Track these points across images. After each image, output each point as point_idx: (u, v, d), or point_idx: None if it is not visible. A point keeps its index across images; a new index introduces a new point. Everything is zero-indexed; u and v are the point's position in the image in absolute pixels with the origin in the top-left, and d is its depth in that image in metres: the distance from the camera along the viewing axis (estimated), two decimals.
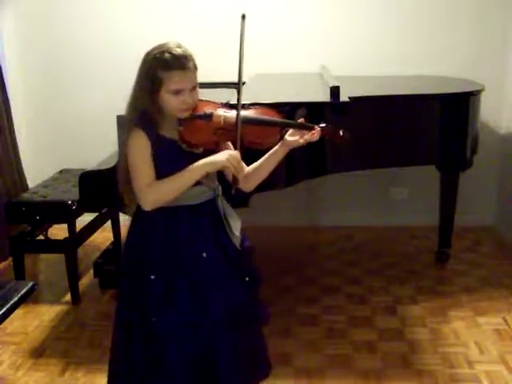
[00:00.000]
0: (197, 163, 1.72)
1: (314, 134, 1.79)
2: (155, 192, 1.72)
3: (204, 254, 1.80)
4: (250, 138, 1.77)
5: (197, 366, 1.79)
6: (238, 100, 1.76)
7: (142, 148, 1.73)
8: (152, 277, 1.78)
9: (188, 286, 1.78)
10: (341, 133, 1.80)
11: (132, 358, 1.83)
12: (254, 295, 1.93)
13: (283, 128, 1.81)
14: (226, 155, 1.71)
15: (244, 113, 1.79)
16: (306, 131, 1.80)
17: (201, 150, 1.77)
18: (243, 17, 1.76)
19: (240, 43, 1.76)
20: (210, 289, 1.80)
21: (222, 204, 1.86)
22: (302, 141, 1.80)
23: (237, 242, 1.85)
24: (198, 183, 1.78)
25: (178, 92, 1.71)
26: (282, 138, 1.82)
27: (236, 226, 1.86)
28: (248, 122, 1.77)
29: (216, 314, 1.78)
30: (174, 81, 1.70)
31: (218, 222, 1.84)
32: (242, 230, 1.91)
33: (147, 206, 1.72)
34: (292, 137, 1.81)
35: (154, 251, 1.80)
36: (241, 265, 1.87)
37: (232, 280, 1.83)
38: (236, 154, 1.72)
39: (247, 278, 1.87)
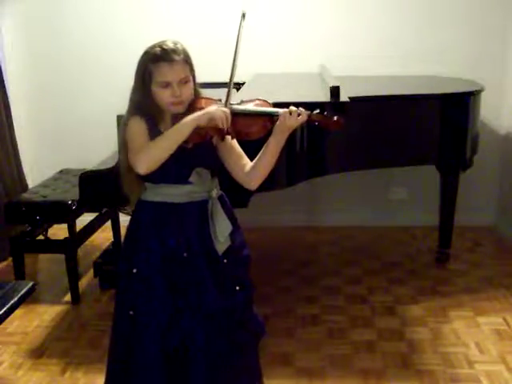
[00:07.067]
0: (186, 118, 1.69)
1: (300, 115, 1.75)
2: (147, 150, 1.68)
3: (185, 254, 1.79)
4: (237, 127, 1.77)
5: (169, 365, 1.79)
6: (229, 88, 1.78)
7: (139, 128, 1.74)
8: (134, 270, 1.80)
9: (166, 285, 1.79)
10: (335, 118, 1.75)
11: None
12: (246, 306, 1.89)
13: (272, 118, 1.78)
14: (217, 108, 1.69)
15: (234, 106, 1.80)
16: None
17: (190, 145, 1.74)
18: (243, 15, 1.80)
19: (237, 40, 1.80)
20: (186, 290, 1.79)
21: (213, 207, 1.82)
22: (288, 123, 1.74)
23: (220, 247, 1.82)
24: (187, 182, 1.78)
25: (166, 85, 1.73)
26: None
27: (222, 231, 1.82)
28: (235, 113, 1.78)
29: (189, 318, 1.78)
30: (160, 73, 1.72)
31: (206, 224, 1.82)
32: (241, 238, 1.89)
33: (140, 166, 1.69)
34: (280, 122, 1.76)
35: (140, 245, 1.82)
36: (228, 271, 1.84)
37: (211, 284, 1.80)
38: (227, 110, 1.70)
39: (237, 288, 1.85)
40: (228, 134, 1.72)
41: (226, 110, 1.70)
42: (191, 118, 1.68)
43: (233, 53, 1.81)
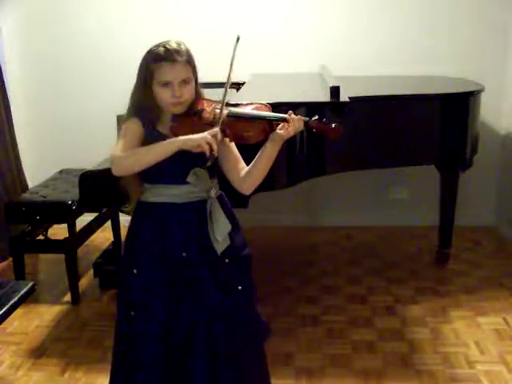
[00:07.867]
0: (172, 139, 1.69)
1: (296, 123, 1.74)
2: (125, 157, 1.69)
3: (184, 254, 1.79)
4: (234, 131, 1.77)
5: (171, 366, 1.80)
6: (221, 109, 1.77)
7: (132, 129, 1.75)
8: (134, 271, 1.81)
9: (166, 285, 1.79)
10: (333, 125, 1.75)
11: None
12: (248, 306, 1.89)
13: (271, 123, 1.78)
14: (203, 135, 1.65)
15: (232, 108, 1.80)
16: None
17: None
18: (238, 39, 1.81)
19: (231, 62, 1.80)
20: (187, 290, 1.79)
21: (212, 207, 1.81)
22: (285, 132, 1.74)
23: (218, 247, 1.80)
24: (185, 183, 1.78)
25: (166, 84, 1.73)
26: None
27: (221, 231, 1.80)
28: (234, 116, 1.78)
29: (189, 318, 1.78)
30: (161, 72, 1.73)
31: (205, 224, 1.81)
32: (242, 238, 1.89)
33: (114, 168, 1.70)
34: (279, 130, 1.76)
35: (140, 246, 1.82)
36: (229, 271, 1.83)
37: (211, 284, 1.80)
38: (215, 130, 1.67)
39: (239, 287, 1.84)
40: (214, 156, 1.68)
41: (214, 132, 1.66)
42: (178, 140, 1.66)
43: (227, 73, 1.80)
